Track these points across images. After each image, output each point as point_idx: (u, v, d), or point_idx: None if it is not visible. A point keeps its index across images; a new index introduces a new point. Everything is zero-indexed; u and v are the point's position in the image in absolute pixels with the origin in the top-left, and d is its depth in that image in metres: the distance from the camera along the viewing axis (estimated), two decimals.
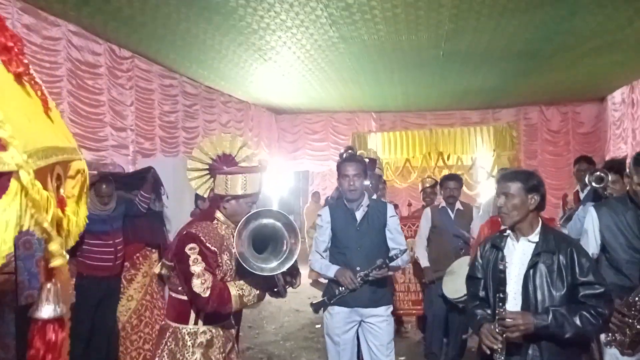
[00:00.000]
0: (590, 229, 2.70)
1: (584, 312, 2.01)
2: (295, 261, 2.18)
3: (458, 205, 4.60)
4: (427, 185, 5.50)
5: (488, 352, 2.05)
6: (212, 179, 2.23)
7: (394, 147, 9.34)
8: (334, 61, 6.97)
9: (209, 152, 2.22)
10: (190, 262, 2.09)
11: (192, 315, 2.18)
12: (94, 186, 4.19)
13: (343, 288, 3.08)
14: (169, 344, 2.16)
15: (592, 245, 2.68)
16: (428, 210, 4.75)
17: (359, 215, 3.20)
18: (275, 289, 2.26)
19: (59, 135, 0.88)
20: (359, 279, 3.03)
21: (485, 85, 8.66)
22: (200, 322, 2.19)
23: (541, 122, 11.12)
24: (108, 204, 4.25)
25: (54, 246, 0.79)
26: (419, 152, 9.25)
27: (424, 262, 4.57)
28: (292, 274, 2.30)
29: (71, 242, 0.91)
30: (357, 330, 3.26)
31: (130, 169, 6.24)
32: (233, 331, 2.37)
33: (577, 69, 7.65)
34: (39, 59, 4.83)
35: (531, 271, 2.11)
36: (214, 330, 2.21)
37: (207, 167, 2.23)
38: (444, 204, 4.61)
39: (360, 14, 5.11)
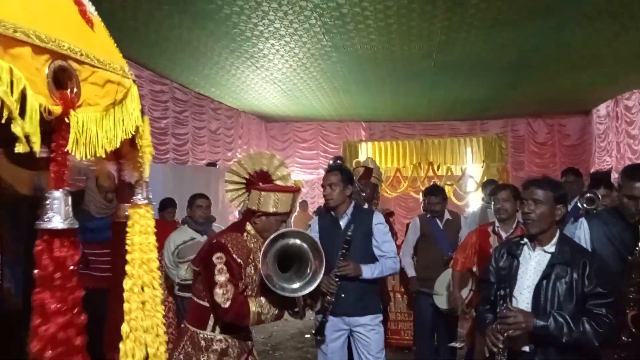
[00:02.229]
0: (581, 240, 2.72)
1: (589, 320, 2.01)
2: (318, 284, 2.22)
3: (447, 215, 4.60)
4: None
5: (488, 354, 2.05)
6: (247, 193, 2.29)
7: (385, 156, 9.38)
8: (326, 70, 7.00)
9: (247, 167, 2.27)
10: (216, 271, 2.14)
11: (211, 322, 2.23)
12: (97, 181, 3.97)
13: (328, 297, 3.05)
14: (186, 346, 2.21)
15: None
16: (417, 219, 4.72)
17: (342, 223, 3.21)
18: (295, 310, 2.29)
19: (95, 42, 0.94)
20: (336, 279, 3.02)
21: (475, 97, 8.76)
22: (217, 330, 2.22)
23: (528, 134, 11.28)
24: (112, 200, 3.98)
25: (16, 128, 0.74)
26: (410, 162, 9.29)
27: (410, 272, 4.57)
28: (313, 297, 2.33)
29: (85, 151, 0.90)
30: (349, 339, 3.24)
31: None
32: (250, 343, 2.39)
33: (564, 82, 7.78)
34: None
35: (544, 282, 2.11)
36: (229, 340, 2.24)
37: (244, 181, 2.29)
38: (429, 214, 4.62)
39: (354, 23, 5.15)
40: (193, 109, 8.29)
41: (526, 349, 2.14)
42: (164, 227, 4.58)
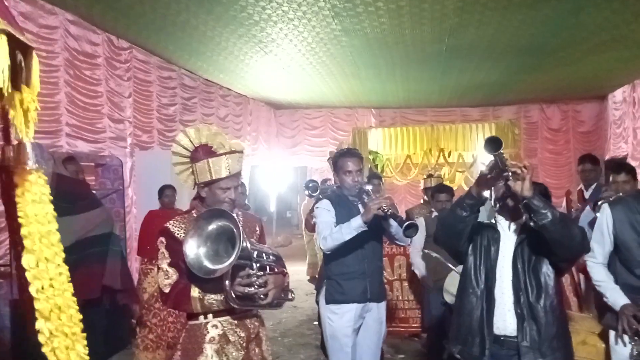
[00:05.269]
0: (604, 226, 2.62)
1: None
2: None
3: None
4: (430, 185, 5.39)
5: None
6: (192, 170, 2.18)
7: (395, 143, 9.25)
8: (336, 55, 6.89)
9: (186, 145, 2.14)
10: (159, 256, 2.09)
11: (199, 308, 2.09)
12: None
13: (386, 207, 2.86)
14: (185, 342, 2.11)
15: (606, 243, 2.61)
16: (422, 220, 4.63)
17: (361, 207, 3.14)
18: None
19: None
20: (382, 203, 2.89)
21: (487, 82, 8.60)
22: (210, 315, 2.08)
23: (541, 120, 11.09)
24: None
25: None
26: (420, 149, 9.16)
27: (422, 271, 4.50)
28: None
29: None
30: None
31: (127, 161, 6.15)
32: (253, 327, 2.21)
33: (580, 66, 7.59)
34: (35, 48, 4.72)
35: (523, 243, 2.22)
36: (225, 325, 2.10)
37: (188, 159, 2.16)
38: (437, 213, 4.52)
39: (363, 6, 5.03)
40: (201, 96, 8.23)
41: (512, 331, 2.14)
42: (163, 215, 4.48)
